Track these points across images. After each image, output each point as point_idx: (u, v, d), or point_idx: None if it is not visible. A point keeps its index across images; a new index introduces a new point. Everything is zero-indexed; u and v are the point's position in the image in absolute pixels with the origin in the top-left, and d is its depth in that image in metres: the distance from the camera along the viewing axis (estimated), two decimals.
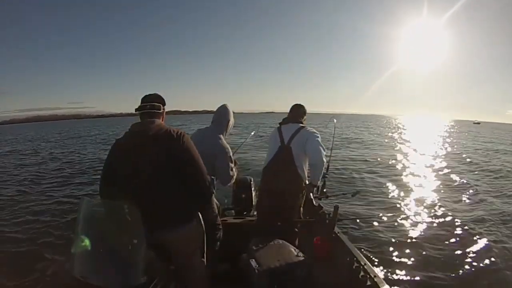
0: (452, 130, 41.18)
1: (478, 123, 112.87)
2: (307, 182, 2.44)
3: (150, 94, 1.63)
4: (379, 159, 11.74)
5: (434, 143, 20.31)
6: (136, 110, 1.59)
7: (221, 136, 2.25)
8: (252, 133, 4.23)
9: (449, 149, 16.75)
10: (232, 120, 2.37)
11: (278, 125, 2.57)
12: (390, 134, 26.83)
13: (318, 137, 2.36)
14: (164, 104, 1.63)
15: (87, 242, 1.47)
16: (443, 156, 13.42)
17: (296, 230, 2.49)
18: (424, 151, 15.03)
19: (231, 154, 2.25)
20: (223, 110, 2.35)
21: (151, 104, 1.57)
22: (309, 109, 2.75)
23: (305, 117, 2.59)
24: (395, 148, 15.93)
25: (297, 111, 2.56)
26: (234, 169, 2.29)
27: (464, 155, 13.68)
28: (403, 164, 10.84)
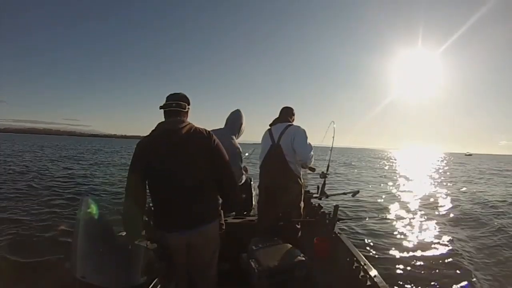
0: (443, 162, 41.98)
1: (470, 154, 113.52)
2: (301, 178, 2.51)
3: (175, 93, 1.59)
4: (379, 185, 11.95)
5: (425, 170, 21.51)
6: (160, 107, 1.56)
7: (234, 137, 2.43)
8: (251, 151, 4.10)
9: (438, 174, 17.55)
10: (244, 124, 2.52)
11: (269, 127, 2.64)
12: (387, 166, 27.63)
13: (304, 134, 2.44)
14: (189, 104, 1.60)
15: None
16: (434, 179, 13.84)
17: (298, 227, 2.50)
18: (417, 176, 15.57)
19: (241, 154, 2.35)
20: (237, 113, 2.52)
21: (177, 102, 1.54)
22: None
23: (293, 117, 2.67)
24: (393, 178, 16.22)
25: (286, 112, 2.64)
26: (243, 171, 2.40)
27: (451, 179, 14.29)
28: (401, 179, 11.09)
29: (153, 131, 1.53)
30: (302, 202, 2.58)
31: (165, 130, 1.50)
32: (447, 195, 7.86)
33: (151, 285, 1.61)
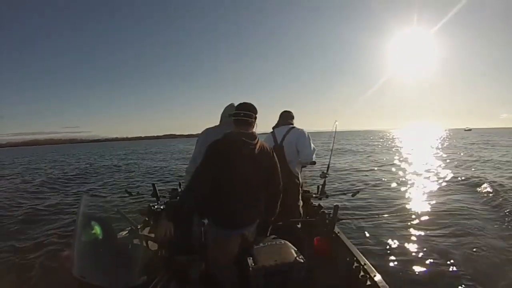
0: (443, 139, 42.38)
1: (470, 129, 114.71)
2: (299, 178, 2.63)
3: (244, 103, 1.79)
4: (381, 167, 11.84)
5: (427, 151, 21.18)
6: (230, 115, 1.82)
7: None
8: None
9: (440, 154, 17.25)
10: None
11: (272, 130, 2.75)
12: (387, 148, 27.73)
13: (307, 137, 2.58)
14: (256, 113, 1.78)
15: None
16: (437, 162, 13.62)
17: (299, 226, 2.53)
18: (420, 158, 15.39)
19: None
20: (231, 109, 2.35)
21: (245, 112, 1.72)
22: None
23: (293, 120, 2.81)
24: (394, 158, 16.17)
25: (286, 116, 2.79)
26: None
27: (452, 157, 14.10)
28: (402, 169, 10.98)
29: (226, 140, 1.69)
30: (300, 201, 2.66)
31: (241, 141, 1.67)
32: (456, 185, 7.61)
33: (151, 285, 1.60)
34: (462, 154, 16.24)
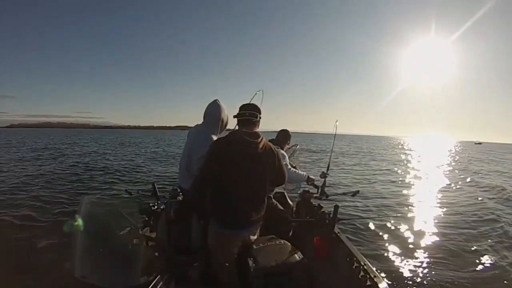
0: (451, 151, 42.61)
1: (480, 143, 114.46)
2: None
3: (248, 104, 1.82)
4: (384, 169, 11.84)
5: (432, 159, 21.41)
6: (234, 116, 1.79)
7: (214, 136, 2.07)
8: None
9: (445, 164, 17.29)
10: (223, 117, 2.17)
11: None
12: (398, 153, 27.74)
13: (284, 160, 2.56)
14: (260, 113, 1.78)
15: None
16: (440, 169, 13.62)
17: (298, 228, 2.53)
18: (425, 166, 15.37)
19: None
20: (213, 107, 2.16)
21: (250, 112, 1.73)
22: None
23: (289, 141, 2.87)
24: (402, 164, 16.15)
25: (283, 137, 2.85)
26: None
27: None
28: (404, 170, 10.95)
29: (230, 139, 1.71)
30: (289, 201, 2.72)
31: (244, 140, 1.67)
32: (456, 188, 7.63)
33: (151, 285, 1.61)
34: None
